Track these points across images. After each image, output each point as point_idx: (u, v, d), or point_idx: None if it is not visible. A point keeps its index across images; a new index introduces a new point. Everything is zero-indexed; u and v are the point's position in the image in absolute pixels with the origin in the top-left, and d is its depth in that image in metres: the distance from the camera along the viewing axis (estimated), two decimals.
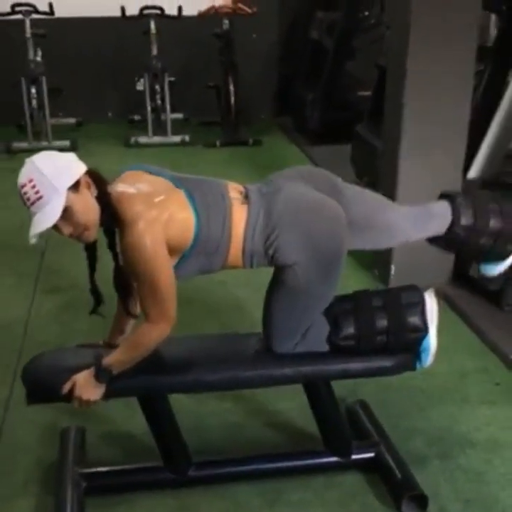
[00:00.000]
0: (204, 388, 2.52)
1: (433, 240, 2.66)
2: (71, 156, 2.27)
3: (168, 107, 7.32)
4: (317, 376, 2.53)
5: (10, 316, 3.92)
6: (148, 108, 7.34)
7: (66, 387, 2.33)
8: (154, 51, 7.41)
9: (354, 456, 2.71)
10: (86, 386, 2.32)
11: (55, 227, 2.20)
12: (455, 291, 4.13)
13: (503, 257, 2.66)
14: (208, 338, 2.74)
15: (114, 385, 2.34)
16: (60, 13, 7.34)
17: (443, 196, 2.68)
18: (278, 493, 2.63)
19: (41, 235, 2.20)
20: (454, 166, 4.03)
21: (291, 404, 3.02)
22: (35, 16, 7.24)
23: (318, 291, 2.40)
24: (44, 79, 7.15)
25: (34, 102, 7.08)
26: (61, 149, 6.63)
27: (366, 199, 2.59)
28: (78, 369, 2.35)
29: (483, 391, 3.25)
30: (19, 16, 7.20)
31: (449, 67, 3.81)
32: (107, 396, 2.37)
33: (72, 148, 7.07)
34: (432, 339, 2.53)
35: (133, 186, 2.29)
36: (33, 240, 2.17)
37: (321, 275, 2.37)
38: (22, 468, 2.76)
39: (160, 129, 7.45)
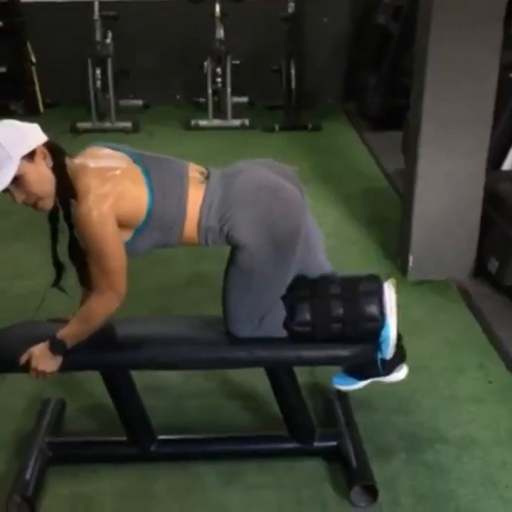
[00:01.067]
0: (156, 367, 2.59)
1: None
2: (32, 127, 2.31)
3: (228, 90, 7.38)
4: (270, 361, 2.54)
5: (29, 286, 4.07)
6: (209, 91, 7.42)
7: (23, 359, 2.43)
8: (218, 34, 7.48)
9: (316, 444, 2.72)
10: (42, 358, 2.41)
11: (10, 193, 2.28)
12: (474, 286, 4.04)
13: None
14: (174, 319, 2.81)
15: (73, 358, 2.43)
16: None
17: None
18: (236, 474, 2.68)
19: None
20: (478, 152, 3.91)
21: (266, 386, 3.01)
22: None
23: (273, 273, 2.41)
24: (110, 61, 7.33)
25: (98, 83, 7.28)
26: (123, 130, 7.02)
27: (316, 226, 2.70)
28: (38, 341, 2.44)
29: (474, 389, 3.19)
30: None
31: (474, 50, 3.71)
32: (64, 368, 2.46)
33: (133, 130, 7.28)
34: (392, 329, 2.51)
35: (91, 160, 2.34)
36: None
37: (276, 257, 2.38)
38: (1, 435, 2.89)
39: (221, 112, 7.52)
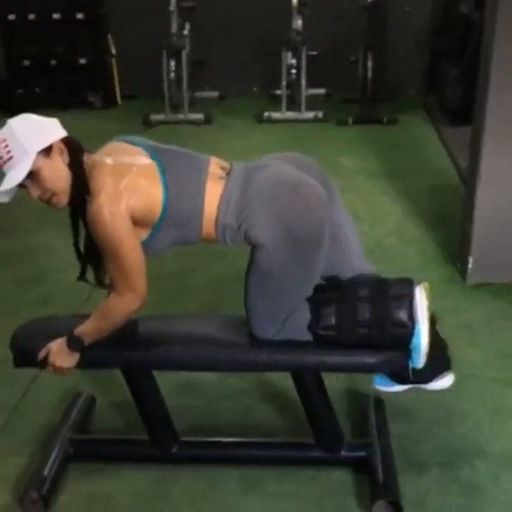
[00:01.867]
0: (174, 367, 2.52)
1: None
2: (51, 121, 2.28)
3: (303, 82, 7.26)
4: (292, 366, 2.44)
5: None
6: (283, 83, 7.32)
7: (41, 354, 2.41)
8: (295, 24, 7.37)
9: (343, 454, 2.60)
10: (59, 353, 2.39)
11: (26, 189, 2.25)
12: None
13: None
14: (201, 318, 2.73)
15: (91, 355, 2.39)
16: None
17: None
18: (257, 481, 2.59)
19: (10, 196, 2.24)
20: None
21: None
22: None
23: (293, 274, 2.29)
24: (184, 52, 7.31)
25: (173, 75, 7.28)
26: (196, 122, 7.00)
27: (349, 221, 2.58)
28: (57, 337, 2.41)
29: None
30: None
31: None
32: (82, 365, 2.43)
33: (206, 122, 7.25)
34: (423, 337, 2.36)
35: (108, 156, 2.29)
36: (1, 199, 2.24)
37: (296, 257, 2.26)
38: (29, 428, 2.89)
39: (295, 104, 7.41)
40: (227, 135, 6.97)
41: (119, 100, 8.24)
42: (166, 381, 3.00)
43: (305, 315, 2.38)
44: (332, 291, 2.41)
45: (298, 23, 7.42)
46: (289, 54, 7.36)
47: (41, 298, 3.86)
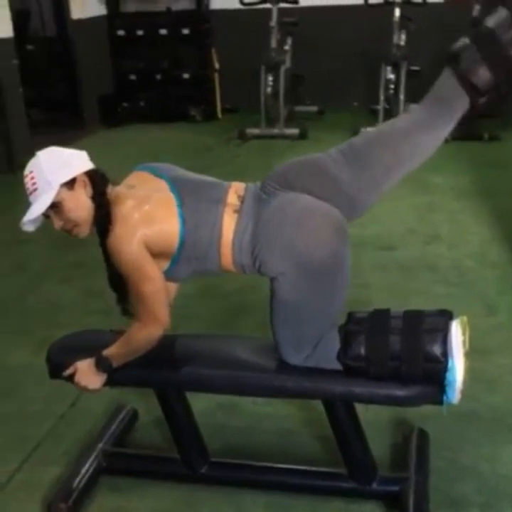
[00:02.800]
0: (204, 389, 2.48)
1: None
2: (77, 154, 2.33)
3: (401, 97, 7.12)
4: (319, 394, 2.35)
5: None
6: (381, 98, 7.21)
7: (67, 372, 2.43)
8: (395, 39, 7.25)
9: (375, 487, 2.48)
10: (87, 373, 2.40)
11: (50, 219, 2.30)
12: None
13: None
14: (236, 341, 2.67)
15: (122, 373, 2.40)
16: (304, 1, 7.47)
17: (447, 62, 2.23)
18: (285, 509, 2.52)
19: (36, 225, 2.30)
20: None
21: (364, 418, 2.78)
22: (282, 4, 7.44)
23: (310, 303, 2.23)
24: (283, 67, 7.33)
25: (269, 90, 7.30)
26: (290, 137, 7.00)
27: (371, 154, 2.30)
28: (91, 351, 2.42)
29: None
30: (267, 5, 7.44)
31: None
32: (112, 383, 2.45)
33: (301, 136, 7.24)
34: (458, 373, 2.23)
35: (130, 188, 2.33)
36: (24, 227, 2.28)
37: (310, 287, 2.21)
38: (72, 437, 2.92)
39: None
40: (319, 150, 6.88)
41: (219, 114, 8.35)
42: (209, 400, 3.00)
43: (334, 344, 2.30)
44: (361, 320, 2.32)
45: (400, 37, 7.28)
46: (389, 69, 7.23)
47: (105, 309, 3.92)
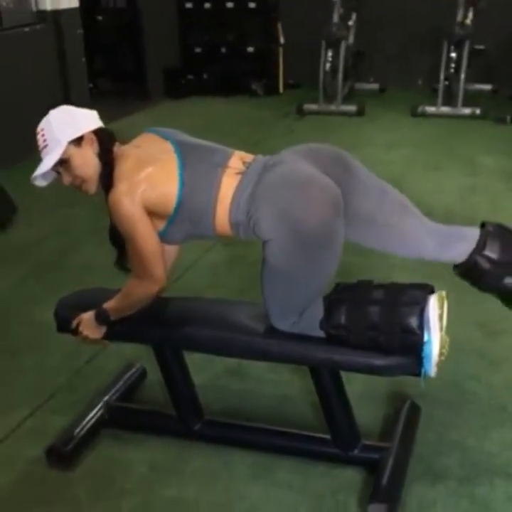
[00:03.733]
0: (192, 348, 2.59)
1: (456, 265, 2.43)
2: (87, 113, 2.46)
3: (462, 76, 7.03)
4: (301, 360, 2.44)
5: (182, 258, 4.23)
6: (441, 77, 7.13)
7: (74, 323, 2.58)
8: (460, 17, 7.14)
9: (356, 453, 2.56)
10: (88, 324, 2.55)
11: (59, 174, 2.44)
12: None
13: None
14: (235, 305, 2.77)
15: (121, 329, 2.54)
16: None
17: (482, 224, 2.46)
18: (268, 468, 2.62)
19: (47, 180, 2.46)
20: None
21: (356, 387, 2.81)
22: None
23: (299, 270, 2.29)
24: (343, 43, 7.32)
25: (328, 66, 7.30)
26: (347, 113, 7.01)
27: (387, 194, 2.43)
28: (92, 308, 2.57)
29: None
30: None
31: None
32: (112, 337, 2.59)
33: (358, 113, 7.24)
34: (434, 346, 2.28)
35: (137, 148, 2.43)
36: (34, 182, 2.43)
37: (302, 254, 2.27)
38: (83, 391, 3.07)
39: (453, 99, 7.19)
40: (375, 127, 6.91)
41: (281, 89, 8.38)
42: (216, 363, 3.12)
43: (319, 312, 2.37)
44: (344, 290, 2.39)
45: (465, 15, 7.17)
46: (451, 47, 7.13)
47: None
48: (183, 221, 2.38)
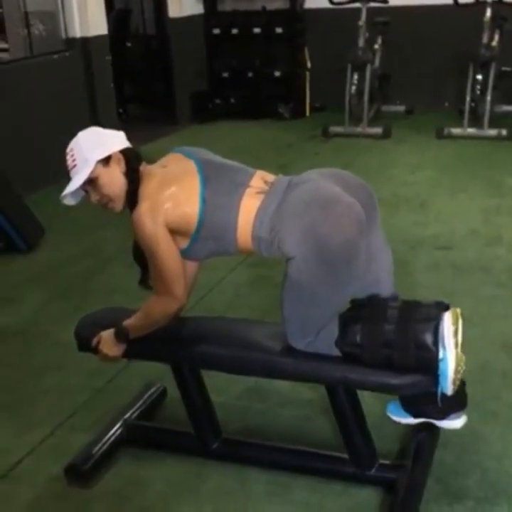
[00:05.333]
0: (208, 366, 2.61)
1: None
2: (114, 134, 2.53)
3: (488, 98, 7.02)
4: (316, 378, 2.46)
5: (206, 278, 4.27)
6: (467, 98, 7.13)
7: (94, 341, 2.62)
8: (485, 39, 7.15)
9: (374, 473, 2.56)
10: (108, 342, 2.58)
11: (87, 193, 2.50)
12: None
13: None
14: (251, 324, 2.80)
15: (141, 347, 2.57)
16: (395, 1, 7.47)
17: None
18: (285, 487, 2.62)
19: (76, 199, 2.52)
20: None
21: (375, 407, 2.78)
22: (372, 4, 7.46)
23: (322, 288, 2.31)
24: (369, 66, 7.36)
25: (354, 89, 7.33)
26: (373, 136, 7.02)
27: (387, 249, 2.57)
28: (111, 327, 2.60)
29: None
30: (357, 5, 7.49)
31: None
32: (131, 356, 2.63)
33: (384, 136, 7.25)
34: (450, 363, 2.28)
35: (162, 168, 2.50)
36: (63, 200, 2.50)
37: (325, 272, 2.29)
38: (105, 409, 3.09)
39: (479, 120, 7.18)
40: (400, 149, 6.92)
41: (307, 112, 8.43)
42: (238, 384, 3.13)
43: (334, 330, 2.39)
44: (359, 308, 2.40)
45: (491, 37, 7.17)
46: (477, 69, 7.13)
47: None
48: (206, 239, 2.43)
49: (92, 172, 2.42)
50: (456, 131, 7.11)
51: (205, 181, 2.42)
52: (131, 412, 2.95)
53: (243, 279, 4.35)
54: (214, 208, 2.39)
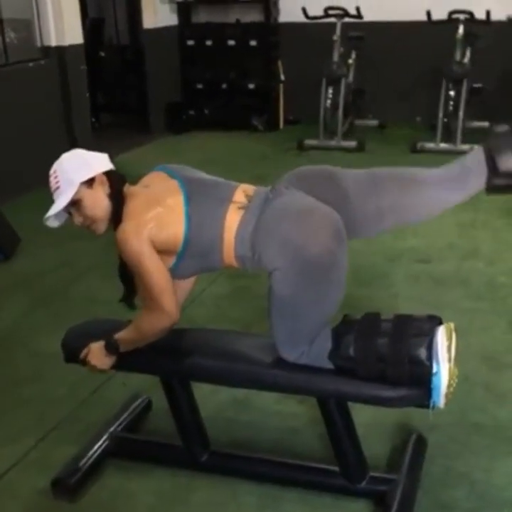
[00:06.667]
0: (199, 379, 2.60)
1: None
2: (98, 156, 2.52)
3: (461, 113, 7.11)
4: (308, 391, 2.45)
5: None
6: (440, 114, 7.21)
7: (83, 353, 2.59)
8: (458, 56, 7.24)
9: (364, 486, 2.55)
10: (97, 354, 2.55)
11: (71, 215, 2.48)
12: None
13: None
14: (239, 336, 2.80)
15: (129, 359, 2.55)
16: (369, 17, 7.55)
17: (485, 139, 2.37)
18: (276, 500, 2.61)
19: (60, 221, 2.50)
20: None
21: (362, 419, 2.76)
22: (346, 19, 7.53)
23: (305, 299, 2.31)
24: (344, 81, 7.42)
25: (328, 103, 7.39)
26: (348, 149, 7.06)
27: (378, 184, 2.40)
28: (100, 338, 2.57)
29: None
30: (332, 20, 7.55)
31: None
32: (120, 368, 2.60)
33: (358, 149, 7.30)
34: (443, 378, 2.29)
35: (145, 188, 2.49)
36: (46, 222, 2.47)
37: (304, 283, 2.29)
38: (90, 421, 3.06)
39: (452, 136, 7.27)
40: (374, 163, 6.88)
41: (281, 124, 8.47)
42: (221, 394, 3.11)
43: (327, 343, 2.39)
44: (353, 322, 2.41)
45: (462, 54, 7.28)
46: (450, 86, 7.23)
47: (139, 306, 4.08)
48: (192, 256, 2.42)
49: (75, 193, 2.40)
50: (430, 145, 7.19)
51: (189, 199, 2.41)
52: (117, 424, 2.92)
53: (224, 291, 4.34)
54: (199, 226, 2.38)
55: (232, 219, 2.38)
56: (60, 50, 6.81)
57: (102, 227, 2.47)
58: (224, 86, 8.66)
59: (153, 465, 2.81)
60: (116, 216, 2.42)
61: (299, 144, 7.45)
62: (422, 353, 2.27)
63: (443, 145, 7.17)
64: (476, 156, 2.33)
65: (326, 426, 2.55)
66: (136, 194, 2.45)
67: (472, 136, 7.23)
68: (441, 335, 2.30)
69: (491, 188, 2.30)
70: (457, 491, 2.63)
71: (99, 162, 2.49)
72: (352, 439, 2.55)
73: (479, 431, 2.96)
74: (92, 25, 8.52)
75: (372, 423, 2.90)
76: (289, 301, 2.33)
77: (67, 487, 2.65)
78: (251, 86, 8.59)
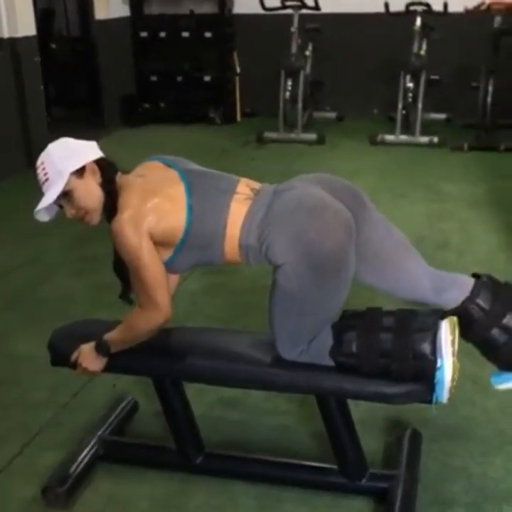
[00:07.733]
0: (196, 380, 2.53)
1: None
2: (86, 144, 2.39)
3: (419, 105, 7.15)
4: (309, 389, 2.40)
5: None
6: (399, 106, 7.24)
7: (73, 355, 2.49)
8: (415, 48, 7.28)
9: (364, 483, 2.52)
10: (88, 356, 2.46)
11: (62, 207, 2.37)
12: None
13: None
14: (234, 334, 2.73)
15: (121, 361, 2.46)
16: (327, 8, 7.52)
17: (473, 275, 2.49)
18: (275, 500, 2.56)
19: (50, 215, 2.39)
20: None
21: (355, 416, 2.64)
22: (304, 11, 7.49)
23: (312, 296, 2.26)
24: (302, 73, 7.38)
25: (287, 95, 7.34)
26: (307, 142, 7.04)
27: (392, 233, 2.45)
28: (92, 339, 2.48)
29: None
30: (289, 11, 7.50)
31: None
32: (111, 370, 2.51)
33: (318, 142, 7.27)
34: (447, 372, 2.27)
35: (139, 177, 2.38)
36: (37, 216, 2.35)
37: (315, 279, 2.23)
38: (73, 425, 2.97)
39: (410, 128, 7.31)
40: (336, 155, 6.96)
41: (238, 117, 8.40)
42: (214, 395, 3.05)
43: (328, 340, 2.34)
44: (354, 317, 2.37)
45: (420, 46, 7.31)
46: (408, 77, 7.27)
47: (114, 302, 3.97)
48: (191, 248, 2.34)
49: (66, 184, 2.28)
50: (389, 138, 7.22)
51: (191, 189, 2.33)
52: (104, 427, 2.83)
53: (198, 287, 4.26)
54: (201, 216, 2.30)
55: (238, 209, 2.30)
56: (13, 41, 6.61)
57: (96, 217, 2.37)
58: (179, 78, 8.55)
59: (144, 469, 2.73)
60: (111, 206, 2.31)
61: (259, 136, 7.40)
62: (427, 347, 2.25)
63: (402, 137, 7.20)
64: (468, 280, 2.46)
65: (325, 423, 2.50)
66: (132, 183, 2.34)
67: (430, 128, 7.31)
68: (444, 329, 2.28)
69: (460, 310, 2.42)
70: (455, 486, 2.61)
71: (88, 150, 2.36)
72: (351, 436, 2.51)
73: (470, 424, 2.96)
74: (41, 16, 8.29)
75: (364, 419, 2.87)
76: (297, 297, 2.26)
77: (59, 494, 2.55)
78: (207, 78, 8.50)
